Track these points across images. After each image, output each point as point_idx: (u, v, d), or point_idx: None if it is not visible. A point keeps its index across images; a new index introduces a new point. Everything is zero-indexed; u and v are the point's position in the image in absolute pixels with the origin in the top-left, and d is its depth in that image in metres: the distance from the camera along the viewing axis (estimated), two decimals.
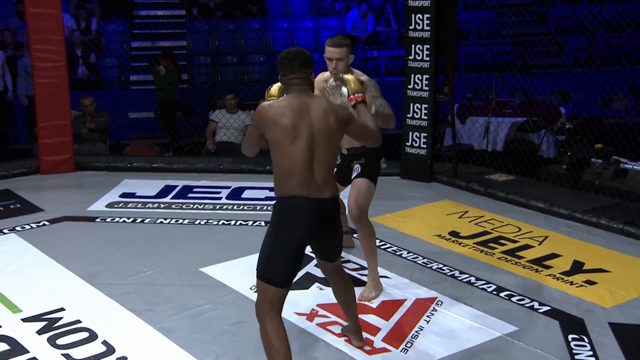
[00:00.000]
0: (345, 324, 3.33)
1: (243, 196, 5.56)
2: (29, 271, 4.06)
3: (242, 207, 5.29)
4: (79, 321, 3.42)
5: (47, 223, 4.89)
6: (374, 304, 3.64)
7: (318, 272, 4.00)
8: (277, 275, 2.67)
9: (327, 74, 3.67)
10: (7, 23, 9.53)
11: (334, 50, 3.49)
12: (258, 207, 5.27)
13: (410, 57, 5.75)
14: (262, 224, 4.86)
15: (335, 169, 3.80)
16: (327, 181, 2.75)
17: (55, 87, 5.99)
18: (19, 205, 5.29)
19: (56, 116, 6.05)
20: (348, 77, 3.07)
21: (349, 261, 4.18)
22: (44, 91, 5.98)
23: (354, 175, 3.79)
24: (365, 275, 3.98)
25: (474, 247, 4.47)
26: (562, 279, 3.99)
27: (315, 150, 2.69)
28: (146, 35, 10.62)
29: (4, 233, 4.69)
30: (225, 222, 4.91)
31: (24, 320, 3.45)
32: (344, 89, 3.15)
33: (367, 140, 2.98)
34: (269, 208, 5.21)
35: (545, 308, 3.62)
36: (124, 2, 10.97)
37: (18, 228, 4.76)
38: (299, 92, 2.76)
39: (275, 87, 2.97)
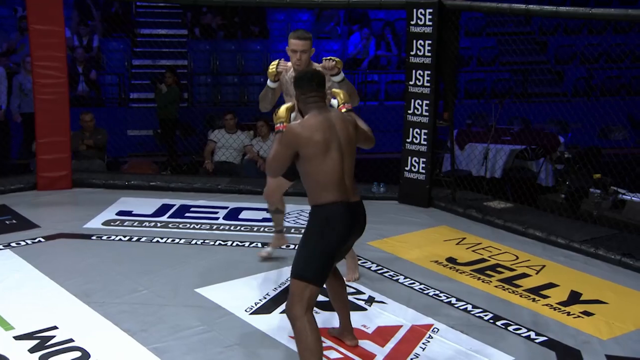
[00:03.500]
0: (332, 327, 3.44)
1: (240, 217, 5.54)
2: (22, 288, 4.02)
3: (239, 227, 5.27)
4: (71, 340, 3.38)
5: (42, 240, 4.86)
6: (370, 329, 3.61)
7: None
8: (317, 274, 2.91)
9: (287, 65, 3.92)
10: (8, 38, 9.57)
11: (299, 42, 3.79)
12: (255, 229, 5.24)
13: (410, 83, 5.78)
14: (259, 245, 4.84)
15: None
16: (354, 186, 3.05)
17: (55, 104, 5.99)
18: (14, 221, 5.26)
19: (55, 132, 6.04)
20: (336, 90, 3.31)
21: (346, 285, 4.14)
22: (44, 107, 5.97)
23: None
24: (362, 299, 3.97)
25: (471, 274, 4.45)
26: (559, 309, 3.97)
27: (344, 159, 2.99)
28: (147, 54, 10.68)
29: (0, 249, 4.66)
30: (222, 243, 4.89)
31: (16, 338, 3.41)
32: (334, 101, 3.32)
33: (369, 143, 3.27)
34: (266, 229, 5.19)
35: (542, 338, 3.60)
36: (126, 20, 11.04)
37: (13, 244, 4.73)
38: (318, 108, 3.04)
39: (282, 109, 3.14)
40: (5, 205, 5.63)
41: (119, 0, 10.78)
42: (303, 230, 3.07)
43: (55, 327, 3.50)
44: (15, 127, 8.37)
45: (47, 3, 5.87)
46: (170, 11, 11.41)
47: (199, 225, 5.28)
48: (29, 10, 5.92)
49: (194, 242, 4.91)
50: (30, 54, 6.00)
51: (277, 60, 3.90)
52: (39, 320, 3.58)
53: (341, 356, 3.31)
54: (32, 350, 3.28)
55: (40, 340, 3.37)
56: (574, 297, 4.12)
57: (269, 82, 3.92)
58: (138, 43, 10.88)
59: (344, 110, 3.20)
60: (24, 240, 4.81)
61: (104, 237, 4.95)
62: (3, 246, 4.69)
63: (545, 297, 4.12)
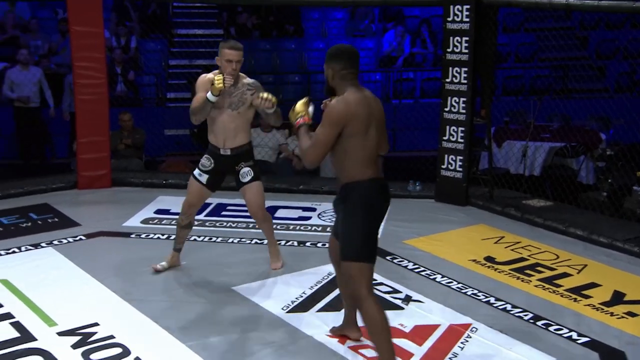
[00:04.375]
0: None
1: (276, 215, 5.55)
2: (64, 285, 4.11)
3: (275, 226, 5.25)
4: (112, 336, 3.44)
5: (83, 237, 4.95)
6: (407, 328, 3.59)
7: None
8: (371, 253, 2.95)
9: (210, 75, 4.00)
10: (50, 40, 9.78)
11: (234, 52, 3.93)
12: (291, 227, 5.25)
13: (447, 80, 5.71)
14: (295, 243, 4.85)
15: (208, 170, 4.12)
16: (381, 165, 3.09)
17: (95, 104, 6.10)
18: (56, 220, 5.37)
19: (95, 132, 6.15)
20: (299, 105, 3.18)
21: (381, 284, 4.13)
22: (85, 108, 6.09)
23: (247, 179, 4.11)
24: (399, 298, 3.94)
25: (510, 273, 4.38)
26: (602, 309, 3.88)
27: (379, 137, 3.00)
28: (184, 54, 10.79)
29: (42, 247, 4.75)
30: (258, 242, 4.91)
31: (59, 334, 3.47)
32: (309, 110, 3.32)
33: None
34: (301, 228, 5.20)
35: (584, 339, 3.52)
36: (163, 21, 11.18)
37: (55, 242, 4.83)
38: (355, 86, 3.00)
39: (300, 104, 3.12)
40: (48, 204, 5.75)
41: (156, 2, 10.90)
42: (341, 212, 3.00)
43: (96, 324, 3.56)
44: (58, 127, 8.56)
45: (87, 5, 5.98)
46: (207, 11, 11.52)
47: (235, 224, 5.32)
48: (70, 12, 6.04)
49: (230, 240, 4.95)
50: (71, 55, 6.12)
51: (221, 75, 3.89)
52: (80, 316, 3.65)
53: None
54: (74, 346, 3.35)
55: (82, 336, 3.44)
56: (618, 297, 4.02)
57: (210, 96, 3.88)
58: (175, 43, 11.01)
59: (300, 123, 3.08)
60: (65, 238, 4.91)
61: (143, 236, 5.02)
62: (46, 244, 4.80)
63: (587, 297, 4.03)
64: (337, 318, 3.67)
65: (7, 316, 3.65)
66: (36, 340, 3.40)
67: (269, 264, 4.43)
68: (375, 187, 2.97)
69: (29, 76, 8.12)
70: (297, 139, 3.10)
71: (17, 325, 3.54)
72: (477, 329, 3.61)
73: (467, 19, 5.50)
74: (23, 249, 4.70)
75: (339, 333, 3.47)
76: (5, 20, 9.95)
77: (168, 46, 10.97)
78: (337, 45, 3.12)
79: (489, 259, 4.62)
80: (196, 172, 4.18)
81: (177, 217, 5.49)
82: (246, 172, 4.12)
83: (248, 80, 4.09)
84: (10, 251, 4.65)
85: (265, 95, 3.79)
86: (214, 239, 4.97)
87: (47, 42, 9.73)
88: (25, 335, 3.45)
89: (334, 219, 5.37)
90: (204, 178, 4.16)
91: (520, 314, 3.80)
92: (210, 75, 4.03)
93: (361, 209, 2.93)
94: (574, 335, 3.56)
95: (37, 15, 10.57)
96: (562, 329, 3.62)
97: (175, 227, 4.44)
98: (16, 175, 6.92)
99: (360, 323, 3.19)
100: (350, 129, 2.91)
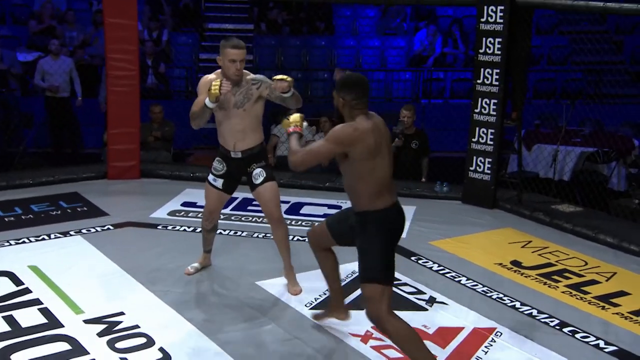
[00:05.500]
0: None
1: (301, 212, 5.56)
2: (91, 273, 4.16)
3: (300, 222, 5.29)
4: (137, 326, 3.47)
5: (111, 227, 5.01)
6: (430, 330, 3.56)
7: None
8: (389, 275, 3.03)
9: (212, 76, 3.84)
10: (84, 31, 9.91)
11: (239, 52, 3.74)
12: (316, 224, 5.23)
13: (478, 81, 5.65)
14: None
15: (221, 174, 3.99)
16: None
17: (127, 96, 6.16)
18: (85, 209, 5.44)
19: (126, 123, 6.21)
20: (295, 116, 3.26)
21: (406, 284, 4.11)
22: (117, 99, 6.16)
23: (260, 180, 3.92)
24: (423, 299, 3.92)
25: (537, 278, 4.33)
26: (631, 318, 3.81)
27: (390, 160, 3.05)
28: (215, 48, 10.82)
29: (71, 235, 4.83)
30: None
31: (86, 321, 3.53)
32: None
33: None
34: None
35: (611, 348, 3.46)
36: (195, 15, 11.25)
37: (84, 230, 4.90)
38: (365, 114, 3.04)
39: (297, 115, 3.25)
40: (78, 193, 5.83)
41: None
42: (359, 237, 3.04)
43: (122, 313, 3.61)
44: (84, 117, 8.63)
45: None
46: (238, 6, 11.57)
47: (260, 219, 5.33)
48: (105, 5, 6.11)
49: (255, 235, 4.96)
50: (105, 47, 6.18)
51: (219, 80, 3.71)
52: (106, 305, 3.70)
53: (401, 355, 3.27)
54: (100, 334, 3.39)
55: (108, 325, 3.48)
56: None
57: (208, 103, 3.71)
58: (206, 37, 11.07)
59: (290, 130, 3.21)
60: (94, 227, 4.97)
61: (169, 227, 5.06)
62: (74, 232, 4.86)
63: (616, 305, 3.96)
64: (359, 317, 3.66)
65: (36, 302, 3.72)
66: (63, 327, 3.45)
67: (295, 259, 4.38)
68: (392, 214, 3.03)
69: (59, 66, 8.23)
70: (288, 141, 3.20)
71: (45, 312, 3.60)
72: (501, 333, 3.57)
73: (501, 20, 5.44)
74: (52, 236, 4.78)
75: (323, 316, 3.59)
76: (43, 11, 10.09)
77: (199, 40, 11.04)
78: (348, 74, 3.22)
79: (516, 263, 4.57)
80: (210, 177, 4.02)
81: (203, 209, 5.56)
82: (259, 173, 3.92)
83: (252, 75, 3.89)
84: (40, 238, 4.73)
85: (279, 76, 3.67)
86: (239, 233, 5.00)
87: (82, 34, 9.85)
88: (53, 321, 3.51)
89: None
90: (219, 183, 4.00)
91: (547, 320, 3.75)
92: (212, 76, 3.85)
93: (378, 237, 3.00)
94: (602, 344, 3.50)
95: (73, 7, 10.71)
96: (589, 337, 3.57)
97: (200, 220, 4.44)
98: (48, 164, 7.04)
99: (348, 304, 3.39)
100: (359, 153, 2.94)
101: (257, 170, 3.93)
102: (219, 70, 3.87)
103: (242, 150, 3.90)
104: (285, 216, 5.35)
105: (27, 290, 3.86)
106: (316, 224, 3.72)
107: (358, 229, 3.05)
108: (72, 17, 10.10)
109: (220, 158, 4.00)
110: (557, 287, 4.21)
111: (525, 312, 3.84)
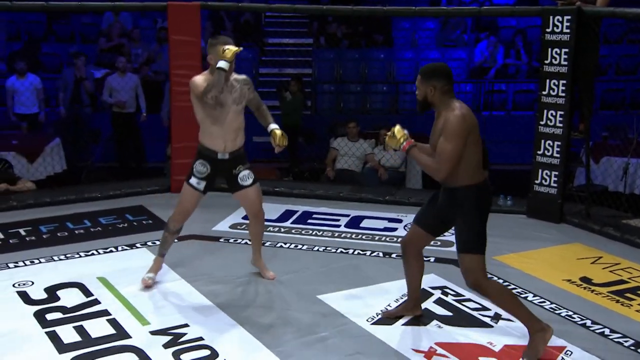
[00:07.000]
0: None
1: (362, 225, 5.53)
2: (157, 285, 4.24)
3: (360, 236, 5.26)
4: (201, 338, 3.51)
5: (175, 240, 5.08)
6: (496, 347, 3.47)
7: (437, 309, 3.90)
8: (484, 245, 3.31)
9: (200, 77, 3.94)
10: (149, 48, 10.19)
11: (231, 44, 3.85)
12: (377, 238, 5.21)
13: (544, 92, 5.51)
14: (380, 254, 4.80)
15: (205, 177, 4.02)
16: None
17: (190, 111, 6.16)
18: (150, 222, 5.57)
19: (189, 138, 6.29)
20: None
21: (469, 300, 4.02)
22: (180, 114, 6.28)
23: (249, 182, 4.08)
24: (488, 316, 3.83)
25: (608, 296, 4.16)
26: None
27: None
28: (274, 62, 10.98)
29: (137, 247, 4.94)
30: (343, 251, 4.90)
31: (152, 333, 3.59)
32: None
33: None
34: (387, 239, 5.15)
35: None
36: (256, 30, 11.42)
37: (149, 243, 5.00)
38: (455, 98, 3.26)
39: (398, 130, 3.35)
40: (142, 206, 5.97)
41: (250, 11, 11.16)
42: (459, 214, 3.28)
43: (186, 325, 3.66)
44: (157, 131, 8.82)
45: (187, 15, 6.18)
46: (297, 20, 11.69)
47: (321, 232, 5.33)
48: (170, 22, 6.26)
49: (316, 248, 4.96)
50: (169, 63, 6.34)
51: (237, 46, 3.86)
52: (171, 317, 3.76)
53: None
54: (166, 345, 3.44)
55: (173, 336, 3.53)
56: None
57: (224, 64, 3.79)
58: (266, 52, 11.22)
59: (406, 147, 3.36)
60: (158, 240, 5.04)
61: (231, 240, 5.12)
62: (140, 244, 4.98)
63: None
64: (423, 333, 3.60)
65: (105, 313, 3.81)
66: (130, 337, 3.52)
67: (356, 273, 4.41)
68: (486, 186, 3.30)
69: (126, 82, 8.48)
70: (415, 159, 3.37)
71: (114, 322, 3.69)
72: (571, 352, 3.44)
73: (568, 30, 5.30)
74: (119, 248, 4.91)
75: (396, 314, 3.76)
76: (112, 29, 10.45)
77: (259, 54, 11.20)
78: (430, 64, 3.39)
79: (585, 279, 4.40)
80: (193, 180, 4.03)
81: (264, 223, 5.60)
82: (247, 175, 4.08)
83: (239, 76, 4.06)
84: (107, 250, 4.87)
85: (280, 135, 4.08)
86: (299, 246, 5.01)
87: (147, 51, 10.14)
88: (121, 332, 3.58)
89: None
90: (202, 185, 4.04)
91: (620, 340, 3.59)
92: (199, 76, 3.94)
93: (477, 210, 3.27)
94: None
95: (139, 25, 11.05)
96: None
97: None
98: (113, 178, 7.25)
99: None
100: (472, 138, 3.19)
101: (245, 172, 4.09)
102: (206, 71, 3.99)
103: (230, 151, 4.01)
104: (345, 230, 5.41)
105: (96, 302, 3.96)
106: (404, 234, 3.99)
107: (455, 205, 3.29)
108: (138, 35, 10.42)
109: (204, 160, 4.03)
110: (631, 305, 4.03)
111: (597, 331, 3.69)
